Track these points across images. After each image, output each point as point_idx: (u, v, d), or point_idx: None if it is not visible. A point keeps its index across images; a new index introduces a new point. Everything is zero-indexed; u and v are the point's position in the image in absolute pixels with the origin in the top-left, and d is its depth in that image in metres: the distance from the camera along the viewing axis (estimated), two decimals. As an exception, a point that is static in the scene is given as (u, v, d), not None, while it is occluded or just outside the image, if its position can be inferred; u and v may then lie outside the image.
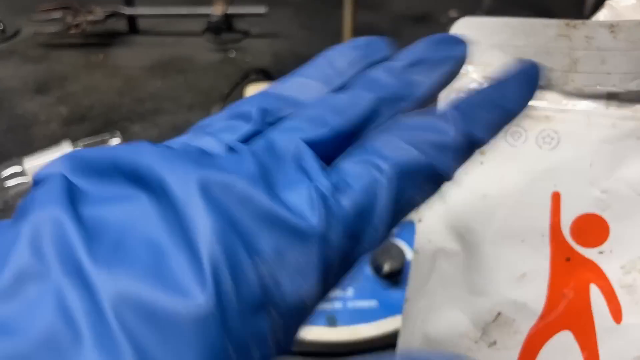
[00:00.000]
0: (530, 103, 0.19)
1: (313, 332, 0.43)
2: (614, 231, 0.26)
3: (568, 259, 0.26)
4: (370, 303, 0.45)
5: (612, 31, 0.22)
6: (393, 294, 0.45)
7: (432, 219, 0.29)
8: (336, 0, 0.65)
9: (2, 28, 0.81)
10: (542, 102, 0.27)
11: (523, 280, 0.27)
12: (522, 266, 0.27)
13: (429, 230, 0.29)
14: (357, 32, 0.64)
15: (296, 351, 0.46)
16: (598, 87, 0.25)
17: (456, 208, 0.28)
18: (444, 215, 0.28)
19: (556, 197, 0.26)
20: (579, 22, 0.23)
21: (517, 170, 0.27)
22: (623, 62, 0.23)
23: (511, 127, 0.26)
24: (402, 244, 0.46)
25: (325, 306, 0.41)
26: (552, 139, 0.26)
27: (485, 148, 0.26)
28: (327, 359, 0.45)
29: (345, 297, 0.45)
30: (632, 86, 0.24)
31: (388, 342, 0.45)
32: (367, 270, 0.46)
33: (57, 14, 0.79)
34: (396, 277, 0.45)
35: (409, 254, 0.46)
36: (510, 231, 0.27)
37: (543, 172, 0.27)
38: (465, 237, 0.28)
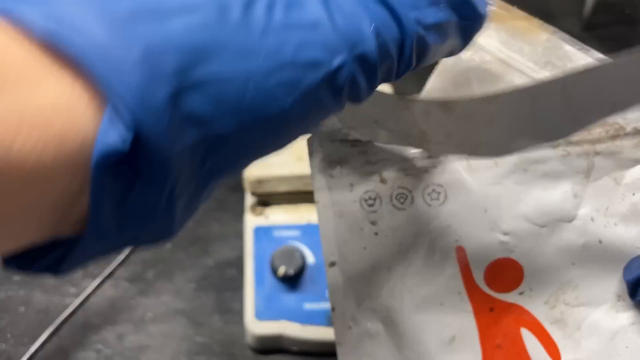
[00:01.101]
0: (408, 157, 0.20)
1: (313, 332, 0.44)
2: (527, 269, 0.26)
3: (491, 309, 0.26)
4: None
5: (447, 109, 0.21)
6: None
7: (346, 305, 0.27)
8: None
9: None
10: (417, 158, 0.26)
11: (454, 344, 0.26)
12: (449, 330, 0.26)
13: (345, 317, 0.27)
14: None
15: (296, 351, 0.46)
16: (454, 157, 0.24)
17: (364, 287, 0.27)
18: (355, 297, 0.27)
19: (461, 252, 0.26)
20: (412, 99, 0.21)
21: (413, 234, 0.26)
22: (468, 135, 0.22)
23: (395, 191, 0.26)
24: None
25: (325, 306, 0.41)
26: (439, 193, 0.26)
27: (375, 217, 0.26)
28: (326, 358, 0.46)
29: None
30: (487, 154, 0.23)
31: (388, 341, 0.45)
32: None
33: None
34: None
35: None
36: (426, 298, 0.26)
37: (440, 229, 0.26)
38: (384, 314, 0.27)
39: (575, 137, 0.25)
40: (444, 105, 0.21)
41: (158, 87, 0.14)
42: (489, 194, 0.25)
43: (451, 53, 0.21)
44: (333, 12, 0.17)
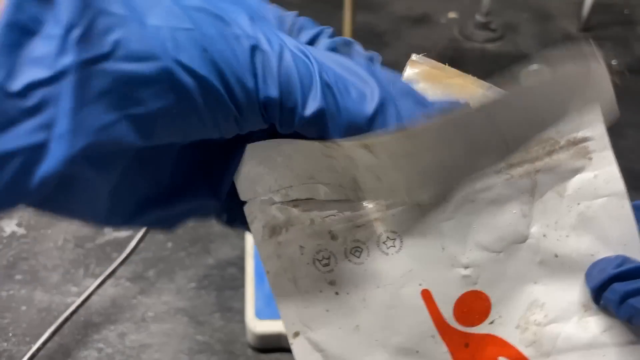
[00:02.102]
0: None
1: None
2: (493, 297, 0.26)
3: (467, 345, 0.26)
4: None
5: (368, 151, 0.20)
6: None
7: None
8: (336, 1, 0.65)
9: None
10: (363, 207, 0.25)
11: None
12: None
13: None
14: (357, 32, 0.64)
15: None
16: (390, 202, 0.24)
17: (335, 351, 0.26)
18: None
19: (427, 294, 0.25)
20: (334, 143, 0.21)
21: (376, 287, 0.25)
22: (396, 177, 0.22)
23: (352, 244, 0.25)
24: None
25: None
26: (394, 240, 0.25)
27: (332, 277, 0.25)
28: (327, 357, 0.46)
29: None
30: (423, 197, 0.23)
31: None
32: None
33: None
34: None
35: None
36: (400, 349, 0.26)
37: (402, 277, 0.25)
38: None
39: (516, 159, 0.25)
40: (365, 147, 0.20)
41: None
42: (443, 231, 0.25)
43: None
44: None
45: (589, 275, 0.25)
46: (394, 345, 0.26)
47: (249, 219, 0.25)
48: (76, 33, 0.16)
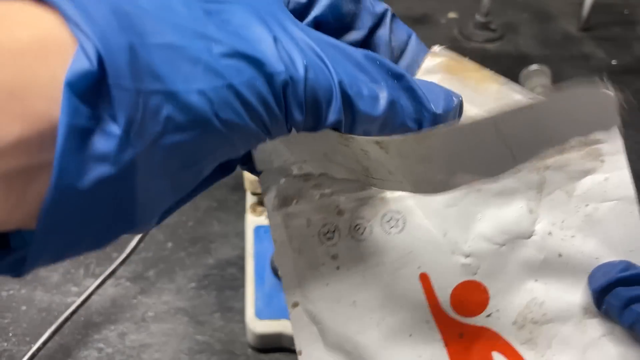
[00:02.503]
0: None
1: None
2: (492, 289, 0.26)
3: (461, 335, 0.26)
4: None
5: (381, 147, 0.21)
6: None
7: (313, 345, 0.27)
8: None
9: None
10: (371, 188, 0.26)
11: None
12: None
13: (313, 359, 0.27)
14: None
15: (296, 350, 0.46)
16: (398, 192, 0.24)
17: (330, 324, 0.26)
18: (322, 337, 0.26)
19: (425, 278, 0.26)
20: (350, 136, 0.21)
21: (376, 265, 0.26)
22: (406, 173, 0.22)
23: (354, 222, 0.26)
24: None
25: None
26: (397, 220, 0.25)
27: (335, 251, 0.26)
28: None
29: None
30: (429, 191, 0.23)
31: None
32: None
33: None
34: None
35: None
36: (394, 330, 0.26)
37: (402, 258, 0.26)
38: (352, 352, 0.26)
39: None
40: (377, 144, 0.21)
41: (119, 35, 0.16)
42: (447, 217, 0.25)
43: (404, 132, 0.22)
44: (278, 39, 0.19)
45: (592, 278, 0.25)
46: (388, 325, 0.26)
47: (262, 188, 0.25)
48: (135, 128, 0.16)
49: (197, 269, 0.50)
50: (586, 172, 0.25)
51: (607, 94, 0.21)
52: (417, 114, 0.21)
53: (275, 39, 0.19)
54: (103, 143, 0.16)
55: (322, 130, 0.21)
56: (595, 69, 0.75)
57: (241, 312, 0.47)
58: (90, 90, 0.16)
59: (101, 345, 0.45)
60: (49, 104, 0.16)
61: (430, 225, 0.25)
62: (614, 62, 0.77)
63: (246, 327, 0.45)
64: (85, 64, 0.16)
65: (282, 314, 0.44)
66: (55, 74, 0.16)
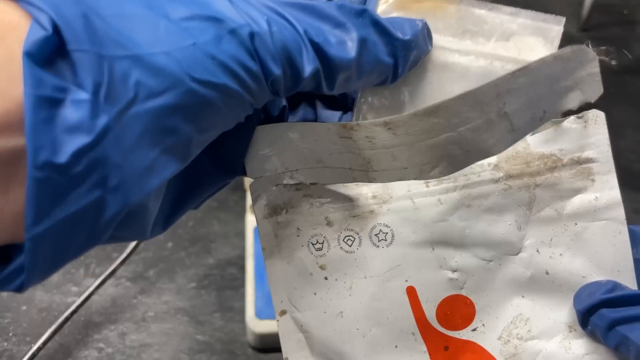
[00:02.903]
0: None
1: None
2: (478, 304, 0.26)
3: (446, 348, 0.26)
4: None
5: (389, 129, 0.21)
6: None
7: (299, 354, 0.27)
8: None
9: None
10: (361, 198, 0.26)
11: None
12: None
13: None
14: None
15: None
16: (400, 181, 0.24)
17: (317, 333, 0.26)
18: (308, 345, 0.26)
19: (412, 291, 0.26)
20: (354, 124, 0.21)
21: (363, 277, 0.26)
22: (413, 155, 0.22)
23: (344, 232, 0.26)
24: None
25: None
26: (386, 233, 0.26)
27: (324, 261, 0.26)
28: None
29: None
30: (434, 175, 0.23)
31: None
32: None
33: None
34: None
35: None
36: (380, 341, 0.26)
37: (390, 270, 0.26)
38: None
39: (515, 170, 0.25)
40: (386, 125, 0.21)
41: (72, 6, 0.16)
42: (435, 232, 0.25)
43: (384, 77, 0.22)
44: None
45: (577, 298, 0.25)
46: (373, 336, 0.26)
47: (253, 197, 0.26)
48: (103, 92, 0.16)
49: (197, 269, 0.50)
50: (576, 191, 0.25)
51: (588, 51, 0.23)
52: (388, 45, 0.21)
53: (230, 2, 0.19)
54: (73, 112, 0.16)
55: (321, 123, 0.21)
56: (595, 69, 0.75)
57: (241, 312, 0.47)
58: (51, 59, 0.16)
59: (101, 345, 0.45)
60: (10, 81, 0.15)
61: (418, 240, 0.26)
62: (613, 62, 0.77)
63: (246, 326, 0.45)
64: (41, 33, 0.15)
65: (282, 314, 0.44)
66: (12, 50, 0.15)
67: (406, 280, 0.26)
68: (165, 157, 0.18)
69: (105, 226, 0.17)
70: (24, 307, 0.47)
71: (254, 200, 0.26)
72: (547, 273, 0.25)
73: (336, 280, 0.26)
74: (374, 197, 0.26)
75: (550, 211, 0.25)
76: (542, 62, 0.21)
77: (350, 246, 0.26)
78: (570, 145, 0.25)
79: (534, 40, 0.23)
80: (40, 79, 0.15)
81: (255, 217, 0.26)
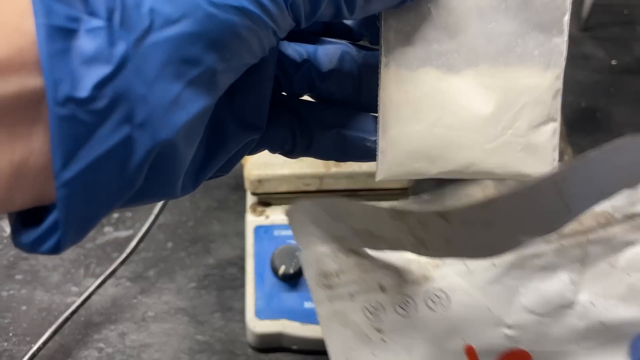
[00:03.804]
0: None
1: (313, 330, 0.44)
2: (535, 356, 0.26)
3: None
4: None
5: (443, 218, 0.21)
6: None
7: None
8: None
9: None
10: (413, 264, 0.26)
11: None
12: None
13: None
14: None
15: (296, 349, 0.46)
16: (441, 270, 0.25)
17: None
18: None
19: (470, 351, 0.26)
20: (406, 210, 0.21)
21: (422, 340, 0.26)
22: (467, 242, 0.22)
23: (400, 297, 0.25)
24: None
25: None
26: (441, 298, 0.26)
27: (380, 325, 0.25)
28: (326, 357, 0.46)
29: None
30: (488, 255, 0.23)
31: (387, 340, 0.46)
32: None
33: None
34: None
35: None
36: None
37: (447, 332, 0.26)
38: None
39: (568, 229, 0.25)
40: (440, 215, 0.21)
41: None
42: (490, 293, 0.26)
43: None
44: None
45: (633, 347, 0.25)
46: None
47: (304, 266, 0.25)
48: (117, 17, 0.16)
49: (197, 269, 0.50)
50: (629, 243, 0.25)
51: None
52: None
53: None
54: (89, 41, 0.15)
55: (371, 203, 0.21)
56: (595, 69, 0.75)
57: (241, 312, 0.47)
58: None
59: (101, 345, 0.45)
60: (20, 16, 0.15)
61: (474, 302, 0.26)
62: (613, 62, 0.77)
63: (246, 327, 0.45)
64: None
65: (282, 314, 0.44)
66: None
67: (463, 339, 0.26)
68: (191, 89, 0.17)
69: (137, 168, 0.17)
70: (24, 307, 0.47)
71: (305, 269, 0.25)
72: (602, 324, 0.26)
73: (395, 343, 0.26)
74: (427, 262, 0.26)
75: (604, 265, 0.26)
76: (601, 152, 0.21)
77: (406, 311, 0.26)
78: (622, 202, 0.25)
79: None
80: (51, 8, 0.15)
81: (309, 286, 0.26)
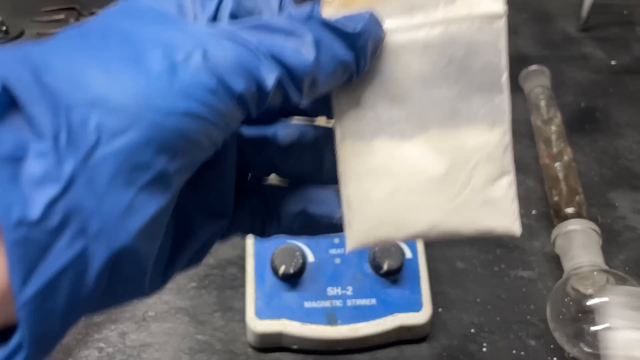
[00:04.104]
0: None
1: (313, 330, 0.44)
2: None
3: None
4: (369, 301, 0.45)
5: None
6: (392, 292, 0.46)
7: None
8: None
9: (5, 29, 0.82)
10: None
11: None
12: None
13: None
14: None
15: (296, 349, 0.46)
16: None
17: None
18: None
19: None
20: None
21: None
22: None
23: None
24: (401, 244, 0.46)
25: (325, 304, 0.41)
26: None
27: None
28: (326, 356, 0.46)
29: (345, 295, 0.45)
30: None
31: (387, 339, 0.46)
32: (366, 268, 0.46)
33: (60, 16, 0.79)
34: (395, 276, 0.45)
35: (408, 253, 0.46)
36: None
37: None
38: None
39: None
40: None
41: (21, 65, 0.17)
42: None
43: (349, 73, 0.21)
44: None
45: None
46: None
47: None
48: (63, 138, 0.16)
49: (197, 269, 0.50)
50: None
51: None
52: (343, 41, 0.21)
53: (178, 30, 0.19)
54: (37, 164, 0.16)
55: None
56: (595, 69, 0.75)
57: (241, 311, 0.47)
58: (4, 117, 0.16)
59: (102, 344, 0.45)
60: None
61: None
62: (613, 62, 0.77)
63: (246, 326, 0.45)
64: None
65: (282, 314, 0.44)
66: None
67: None
68: (144, 194, 0.18)
69: (96, 279, 0.17)
70: (25, 307, 0.47)
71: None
72: None
73: None
74: None
75: None
76: None
77: None
78: None
79: None
80: None
81: None
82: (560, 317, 0.45)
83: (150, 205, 0.18)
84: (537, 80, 0.67)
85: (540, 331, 0.47)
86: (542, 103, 0.64)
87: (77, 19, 0.79)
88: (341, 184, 0.23)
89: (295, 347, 0.45)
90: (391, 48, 0.22)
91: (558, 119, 0.62)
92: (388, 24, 0.22)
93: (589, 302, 0.44)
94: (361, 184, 0.23)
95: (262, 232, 0.25)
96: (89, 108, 0.17)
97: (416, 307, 0.45)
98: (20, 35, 0.82)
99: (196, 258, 0.25)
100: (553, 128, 0.61)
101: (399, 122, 0.22)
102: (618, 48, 0.79)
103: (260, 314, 0.44)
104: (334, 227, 0.24)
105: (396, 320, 0.44)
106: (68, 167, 0.16)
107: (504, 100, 0.22)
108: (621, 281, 0.44)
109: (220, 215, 0.24)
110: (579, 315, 0.44)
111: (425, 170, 0.22)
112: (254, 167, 0.25)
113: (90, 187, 0.16)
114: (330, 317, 0.45)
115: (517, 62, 0.75)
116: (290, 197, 0.25)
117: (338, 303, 0.45)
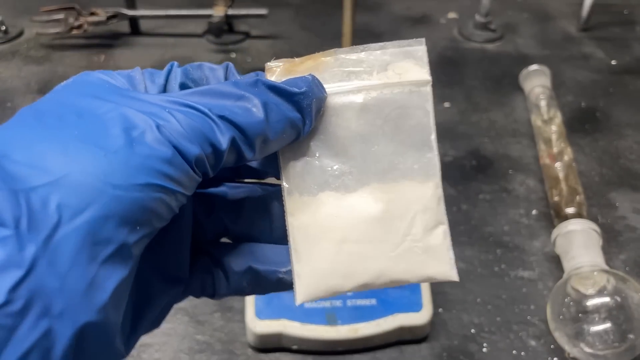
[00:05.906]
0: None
1: (312, 330, 0.44)
2: None
3: None
4: (369, 301, 0.45)
5: None
6: (392, 292, 0.46)
7: None
8: (336, 1, 0.65)
9: (4, 29, 0.82)
10: None
11: None
12: None
13: None
14: (357, 33, 0.64)
15: (296, 349, 0.46)
16: None
17: None
18: None
19: None
20: None
21: None
22: None
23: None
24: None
25: (325, 305, 0.41)
26: None
27: None
28: (325, 356, 0.46)
29: (345, 295, 0.45)
30: None
31: (387, 340, 0.46)
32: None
33: (59, 15, 0.79)
34: None
35: None
36: None
37: None
38: None
39: None
40: None
41: None
42: None
43: (297, 131, 0.23)
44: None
45: None
46: None
47: None
48: (24, 223, 0.17)
49: (197, 269, 0.50)
50: None
51: None
52: (290, 101, 0.22)
53: (130, 107, 0.20)
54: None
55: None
56: (595, 69, 0.75)
57: (241, 312, 0.47)
58: None
59: (101, 345, 0.45)
60: None
61: None
62: (613, 62, 0.77)
63: (246, 327, 0.45)
64: None
65: (282, 314, 0.44)
66: None
67: None
68: (107, 267, 0.18)
69: (62, 356, 0.17)
70: (24, 307, 0.47)
71: None
72: None
73: None
74: None
75: None
76: None
77: None
78: None
79: (407, 63, 0.24)
80: None
81: None
82: (561, 317, 0.45)
83: (114, 278, 0.18)
84: (537, 80, 0.67)
85: (540, 331, 0.47)
86: (543, 103, 0.64)
87: (76, 19, 0.79)
88: (290, 237, 0.24)
89: (295, 347, 0.45)
90: (333, 108, 0.24)
91: (558, 118, 0.62)
92: (328, 88, 0.24)
93: (589, 302, 0.44)
94: (310, 236, 0.24)
95: (213, 294, 0.26)
96: (49, 188, 0.17)
97: (416, 307, 0.45)
98: (19, 35, 0.82)
99: (156, 322, 0.25)
100: (553, 128, 0.61)
101: (343, 176, 0.24)
102: (618, 48, 0.79)
103: (260, 314, 0.44)
104: (281, 284, 0.25)
105: (396, 320, 0.44)
106: (30, 251, 0.17)
107: (434, 156, 0.24)
108: (621, 281, 0.44)
109: (177, 280, 0.25)
110: (580, 315, 0.44)
111: (369, 221, 0.24)
112: (205, 230, 0.26)
113: (52, 268, 0.17)
114: (330, 318, 0.45)
115: (517, 62, 0.75)
116: (237, 253, 0.25)
117: (338, 303, 0.45)
